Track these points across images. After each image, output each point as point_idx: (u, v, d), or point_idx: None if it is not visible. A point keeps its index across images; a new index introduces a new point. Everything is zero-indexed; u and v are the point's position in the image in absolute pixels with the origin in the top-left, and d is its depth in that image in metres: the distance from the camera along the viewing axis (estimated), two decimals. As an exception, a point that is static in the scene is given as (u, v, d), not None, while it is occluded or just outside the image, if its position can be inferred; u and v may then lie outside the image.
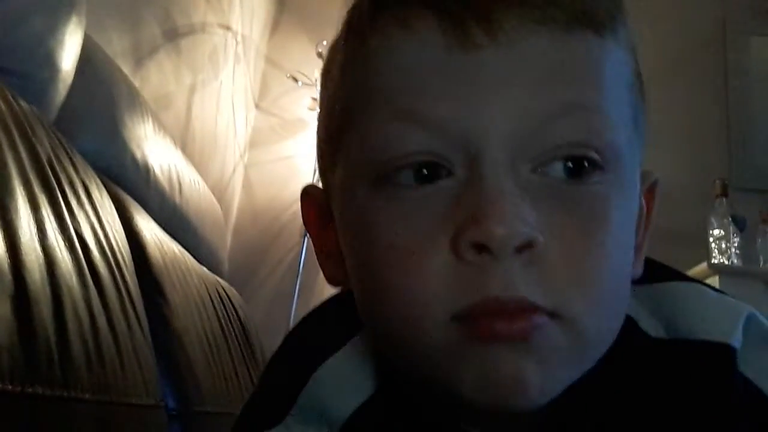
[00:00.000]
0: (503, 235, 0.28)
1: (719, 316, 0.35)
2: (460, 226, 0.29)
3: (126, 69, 1.27)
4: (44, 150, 0.61)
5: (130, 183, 0.89)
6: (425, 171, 0.31)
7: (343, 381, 0.36)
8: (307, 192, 0.40)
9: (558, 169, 0.31)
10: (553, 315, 0.30)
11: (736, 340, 0.34)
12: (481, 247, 0.29)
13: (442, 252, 0.30)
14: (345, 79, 0.35)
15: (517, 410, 0.31)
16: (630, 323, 0.35)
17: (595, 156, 0.31)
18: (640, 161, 0.36)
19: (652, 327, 0.35)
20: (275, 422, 0.35)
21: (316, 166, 0.39)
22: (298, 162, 2.24)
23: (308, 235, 0.39)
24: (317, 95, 2.11)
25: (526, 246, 0.29)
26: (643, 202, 0.37)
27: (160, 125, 1.06)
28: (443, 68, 0.31)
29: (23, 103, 0.61)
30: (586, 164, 0.31)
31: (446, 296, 0.30)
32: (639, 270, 0.36)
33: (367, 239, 0.33)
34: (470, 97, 0.30)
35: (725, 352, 0.33)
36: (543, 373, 0.30)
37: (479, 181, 0.29)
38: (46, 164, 0.59)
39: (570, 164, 0.31)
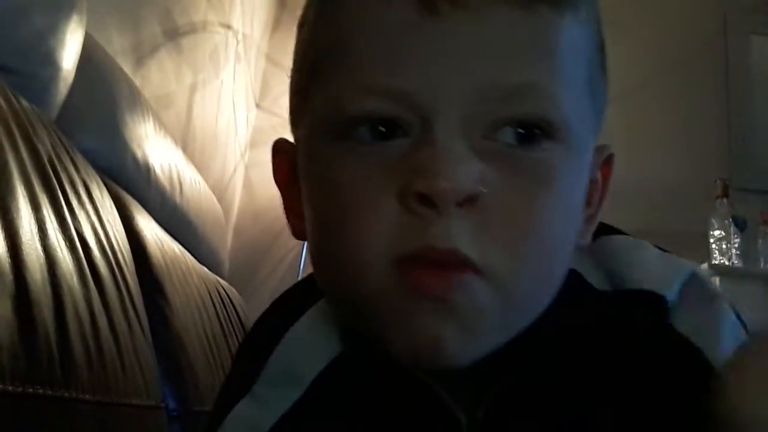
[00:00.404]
0: (447, 189, 0.30)
1: (657, 270, 0.37)
2: (409, 177, 0.31)
3: (127, 68, 1.27)
4: (45, 149, 0.60)
5: (131, 182, 0.89)
6: (382, 129, 0.32)
7: (311, 341, 0.38)
8: (280, 147, 0.41)
9: (509, 135, 0.32)
10: (483, 273, 0.31)
11: (670, 293, 0.35)
12: (426, 200, 0.30)
13: (389, 200, 0.31)
14: (316, 32, 0.37)
15: (442, 370, 0.33)
16: (577, 277, 0.36)
17: (546, 126, 0.32)
18: (597, 132, 0.37)
19: (598, 281, 0.37)
20: (246, 393, 0.37)
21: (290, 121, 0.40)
22: (298, 161, 2.23)
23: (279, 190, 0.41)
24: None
25: (469, 200, 0.30)
26: (599, 174, 0.38)
27: (161, 124, 1.06)
28: (409, 35, 0.32)
29: (24, 102, 0.61)
30: (536, 132, 0.32)
31: (388, 241, 0.31)
32: (587, 240, 0.38)
33: (324, 191, 0.35)
34: (429, 65, 0.31)
35: (657, 302, 0.35)
36: (464, 338, 0.31)
37: (431, 141, 0.31)
38: (46, 163, 0.59)
39: (521, 131, 0.32)
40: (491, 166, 0.31)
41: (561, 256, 0.34)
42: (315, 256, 0.36)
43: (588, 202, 0.37)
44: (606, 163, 0.39)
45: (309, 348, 0.37)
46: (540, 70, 0.32)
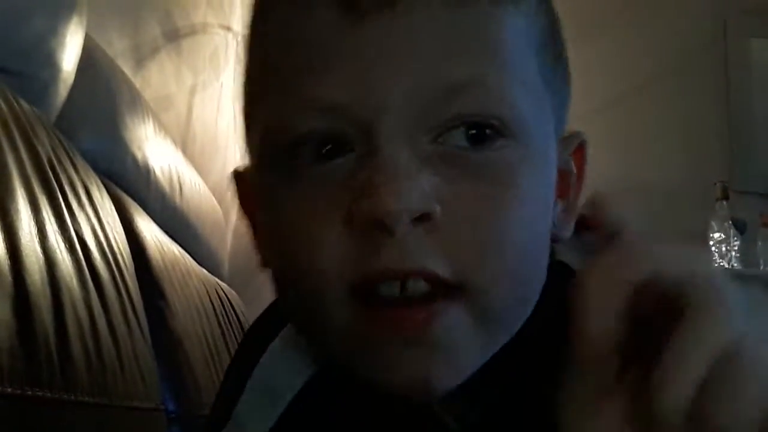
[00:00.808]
0: (396, 210, 0.28)
1: None
2: (354, 199, 0.29)
3: (127, 70, 1.27)
4: (45, 151, 0.60)
5: (131, 184, 0.89)
6: (326, 148, 0.30)
7: (287, 361, 0.36)
8: (240, 177, 0.39)
9: (459, 137, 0.30)
10: (455, 289, 0.29)
11: None
12: (375, 220, 0.28)
13: (336, 226, 0.29)
14: (250, 58, 0.35)
15: (426, 401, 0.31)
16: (570, 272, 0.35)
17: (497, 123, 0.30)
18: (562, 121, 0.36)
19: None
20: (228, 418, 0.36)
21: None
22: (298, 163, 2.23)
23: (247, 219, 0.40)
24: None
25: (423, 217, 0.28)
26: (572, 164, 0.37)
27: (161, 126, 1.06)
28: (336, 43, 0.30)
29: (24, 104, 0.61)
30: (488, 131, 0.30)
31: (341, 269, 0.29)
32: (567, 233, 0.36)
33: (273, 218, 0.33)
34: (362, 73, 0.29)
35: None
36: (450, 366, 0.30)
37: (375, 154, 0.29)
38: (46, 165, 0.59)
39: (472, 131, 0.30)
40: (445, 173, 0.29)
41: (535, 258, 0.32)
42: (276, 288, 0.35)
43: (562, 194, 0.36)
44: (579, 150, 0.38)
45: (286, 367, 0.36)
46: (482, 64, 0.30)
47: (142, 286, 0.76)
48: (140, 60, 1.34)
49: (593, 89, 2.31)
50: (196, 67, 1.68)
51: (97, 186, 0.73)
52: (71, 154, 0.69)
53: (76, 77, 0.72)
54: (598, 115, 2.25)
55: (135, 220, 0.84)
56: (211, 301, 1.06)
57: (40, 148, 0.59)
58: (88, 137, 0.80)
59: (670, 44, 2.34)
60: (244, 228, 0.41)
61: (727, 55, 2.31)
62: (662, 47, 2.34)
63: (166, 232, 1.00)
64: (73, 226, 0.60)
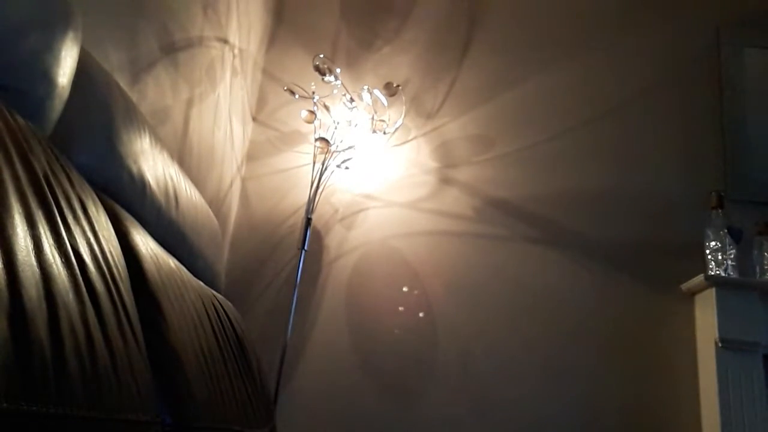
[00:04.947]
0: None
1: None
2: None
3: (123, 83, 1.28)
4: (40, 165, 0.61)
5: (127, 197, 0.89)
6: None
7: None
8: None
9: None
10: None
11: None
12: None
13: None
14: None
15: None
16: None
17: None
18: None
19: None
20: None
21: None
22: (295, 174, 2.24)
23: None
24: (313, 108, 2.12)
25: None
26: None
27: (158, 139, 1.06)
28: None
29: (19, 119, 0.61)
30: None
31: None
32: None
33: None
34: None
35: None
36: None
37: None
38: (42, 180, 0.59)
39: None
40: None
41: None
42: None
43: None
44: None
45: None
46: None
47: (138, 299, 0.76)
48: (137, 73, 1.34)
49: (590, 99, 2.32)
50: (193, 79, 1.69)
51: (93, 199, 0.73)
52: (67, 168, 0.69)
53: (71, 92, 0.73)
54: (595, 125, 2.26)
55: (131, 234, 0.84)
56: (207, 313, 1.06)
57: (35, 163, 0.59)
58: (83, 151, 0.80)
59: (664, 54, 2.35)
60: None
61: (721, 64, 2.33)
62: (656, 58, 2.35)
63: (162, 244, 1.00)
64: (68, 240, 0.60)
